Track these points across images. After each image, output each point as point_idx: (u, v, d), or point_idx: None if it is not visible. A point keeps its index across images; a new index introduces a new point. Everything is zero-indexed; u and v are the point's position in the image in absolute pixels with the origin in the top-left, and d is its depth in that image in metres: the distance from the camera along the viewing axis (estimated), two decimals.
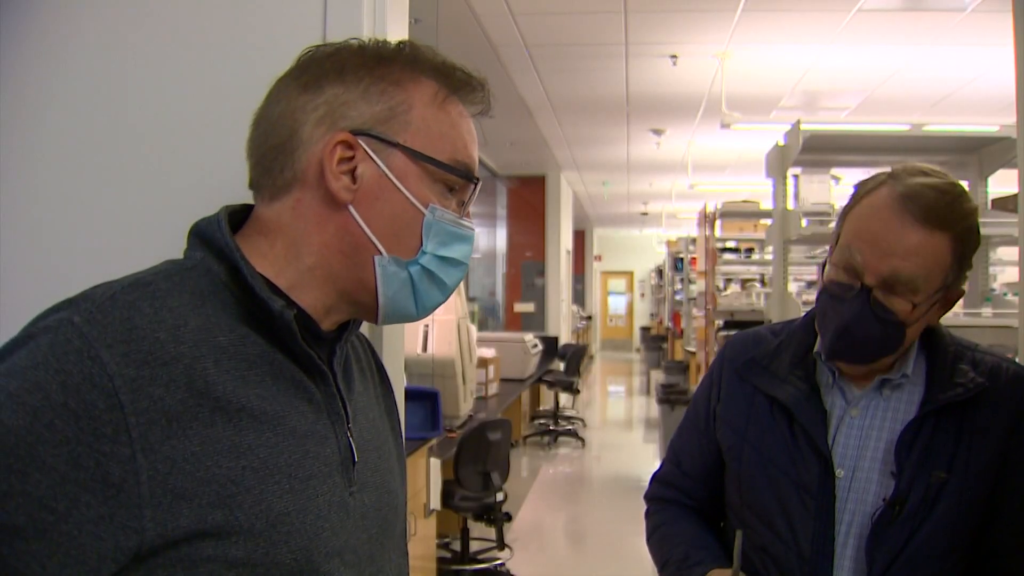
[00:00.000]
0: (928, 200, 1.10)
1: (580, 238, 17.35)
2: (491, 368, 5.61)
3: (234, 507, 0.69)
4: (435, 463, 3.42)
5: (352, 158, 0.79)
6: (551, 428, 8.70)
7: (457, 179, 0.84)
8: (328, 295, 0.82)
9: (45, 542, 0.62)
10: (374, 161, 0.79)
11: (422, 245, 0.81)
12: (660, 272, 15.34)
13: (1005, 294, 3.58)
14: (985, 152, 3.14)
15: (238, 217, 0.83)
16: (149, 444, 0.65)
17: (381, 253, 0.80)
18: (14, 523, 0.62)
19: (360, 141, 0.79)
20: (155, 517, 0.65)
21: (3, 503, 0.62)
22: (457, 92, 0.85)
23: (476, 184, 0.86)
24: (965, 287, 1.21)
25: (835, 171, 3.50)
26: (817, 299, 1.22)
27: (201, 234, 0.79)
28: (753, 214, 6.05)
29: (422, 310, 0.85)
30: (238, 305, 0.75)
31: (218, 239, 0.77)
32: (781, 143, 3.36)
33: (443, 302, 0.87)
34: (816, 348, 1.25)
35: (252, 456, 0.71)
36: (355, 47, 0.83)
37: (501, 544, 4.30)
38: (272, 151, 0.81)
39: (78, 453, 0.63)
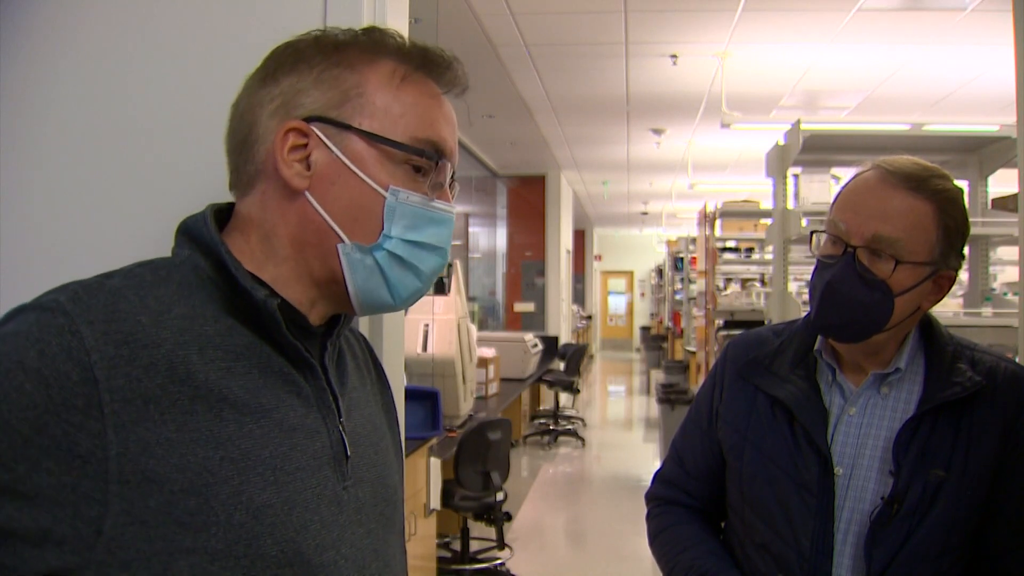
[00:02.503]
0: (909, 169, 1.16)
1: (580, 238, 17.35)
2: (491, 368, 5.61)
3: (209, 496, 0.69)
4: (435, 463, 3.42)
5: (306, 145, 0.79)
6: (551, 428, 8.70)
7: (419, 159, 0.81)
8: (308, 288, 0.82)
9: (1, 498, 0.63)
10: (327, 146, 0.79)
11: (384, 229, 0.80)
12: (660, 272, 15.34)
13: (1005, 294, 3.58)
14: (985, 152, 3.14)
15: (225, 215, 0.84)
16: (121, 422, 0.66)
17: (343, 240, 0.79)
18: None
19: (313, 127, 0.79)
20: (121, 493, 0.65)
21: None
22: (420, 69, 0.82)
23: (443, 163, 0.83)
24: (959, 274, 1.22)
25: (835, 171, 3.49)
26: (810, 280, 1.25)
27: (188, 231, 0.80)
28: (753, 214, 6.05)
29: (399, 299, 0.83)
30: (225, 298, 0.76)
31: (204, 235, 0.78)
32: (781, 143, 3.36)
33: (421, 289, 0.84)
34: (816, 346, 1.26)
35: (232, 447, 0.71)
36: (312, 37, 0.83)
37: (501, 544, 4.30)
38: (237, 147, 0.82)
39: (45, 421, 0.64)
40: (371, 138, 0.79)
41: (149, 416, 0.67)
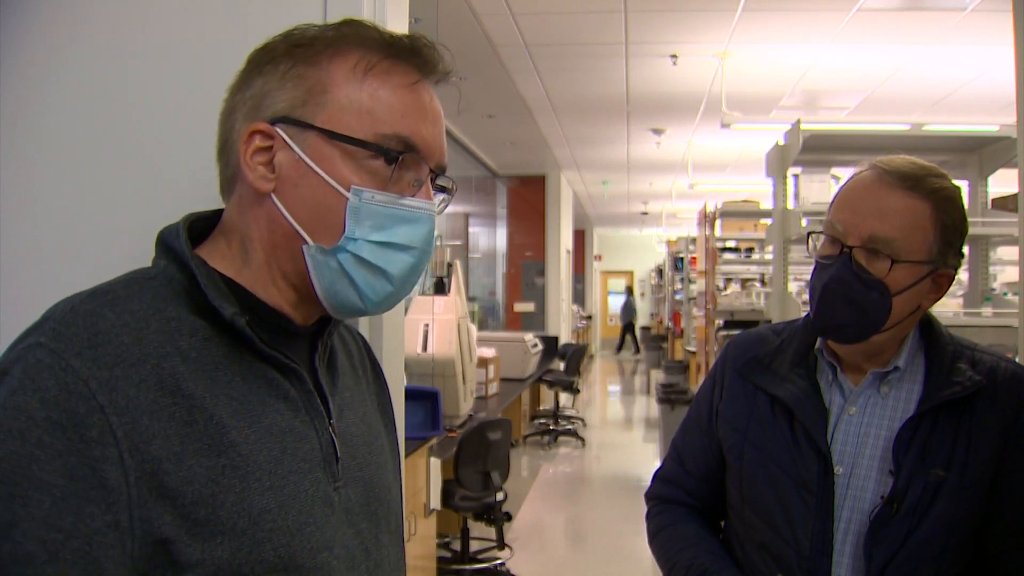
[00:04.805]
0: (905, 169, 1.16)
1: (580, 238, 17.35)
2: (491, 368, 5.61)
3: (216, 506, 0.68)
4: (435, 463, 3.43)
5: (271, 147, 0.78)
6: (551, 428, 8.70)
7: (381, 156, 0.77)
8: (287, 291, 0.81)
9: (59, 564, 0.61)
10: (290, 147, 0.77)
11: (345, 231, 0.77)
12: (660, 272, 15.34)
13: (1005, 294, 3.58)
14: (985, 152, 3.14)
15: (211, 222, 0.84)
16: (134, 444, 0.65)
17: (308, 242, 0.78)
18: (26, 551, 0.60)
19: (277, 129, 0.77)
20: (143, 516, 0.65)
21: (10, 533, 0.61)
22: (389, 59, 0.79)
23: (409, 156, 0.78)
24: (959, 273, 1.22)
25: (835, 171, 3.50)
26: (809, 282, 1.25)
27: (164, 242, 0.79)
28: (753, 214, 6.05)
29: (369, 303, 0.80)
30: (201, 310, 0.75)
31: (176, 247, 0.78)
32: (781, 143, 3.37)
33: (395, 292, 0.81)
34: (817, 345, 1.26)
35: (233, 453, 0.71)
36: (282, 35, 0.81)
37: (501, 544, 4.30)
38: (219, 152, 0.82)
39: (72, 464, 0.63)
40: (330, 136, 0.77)
41: (156, 432, 0.67)
